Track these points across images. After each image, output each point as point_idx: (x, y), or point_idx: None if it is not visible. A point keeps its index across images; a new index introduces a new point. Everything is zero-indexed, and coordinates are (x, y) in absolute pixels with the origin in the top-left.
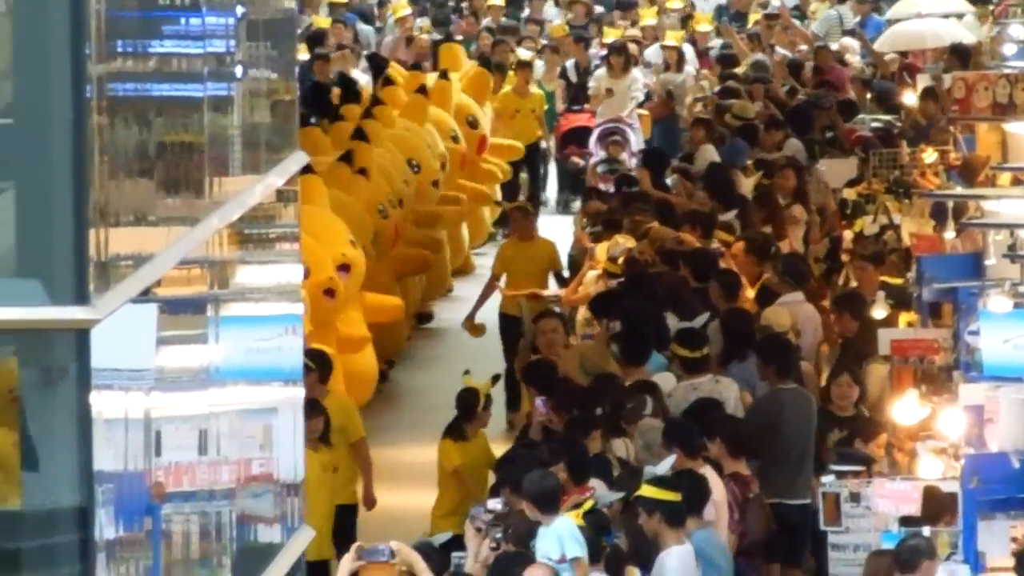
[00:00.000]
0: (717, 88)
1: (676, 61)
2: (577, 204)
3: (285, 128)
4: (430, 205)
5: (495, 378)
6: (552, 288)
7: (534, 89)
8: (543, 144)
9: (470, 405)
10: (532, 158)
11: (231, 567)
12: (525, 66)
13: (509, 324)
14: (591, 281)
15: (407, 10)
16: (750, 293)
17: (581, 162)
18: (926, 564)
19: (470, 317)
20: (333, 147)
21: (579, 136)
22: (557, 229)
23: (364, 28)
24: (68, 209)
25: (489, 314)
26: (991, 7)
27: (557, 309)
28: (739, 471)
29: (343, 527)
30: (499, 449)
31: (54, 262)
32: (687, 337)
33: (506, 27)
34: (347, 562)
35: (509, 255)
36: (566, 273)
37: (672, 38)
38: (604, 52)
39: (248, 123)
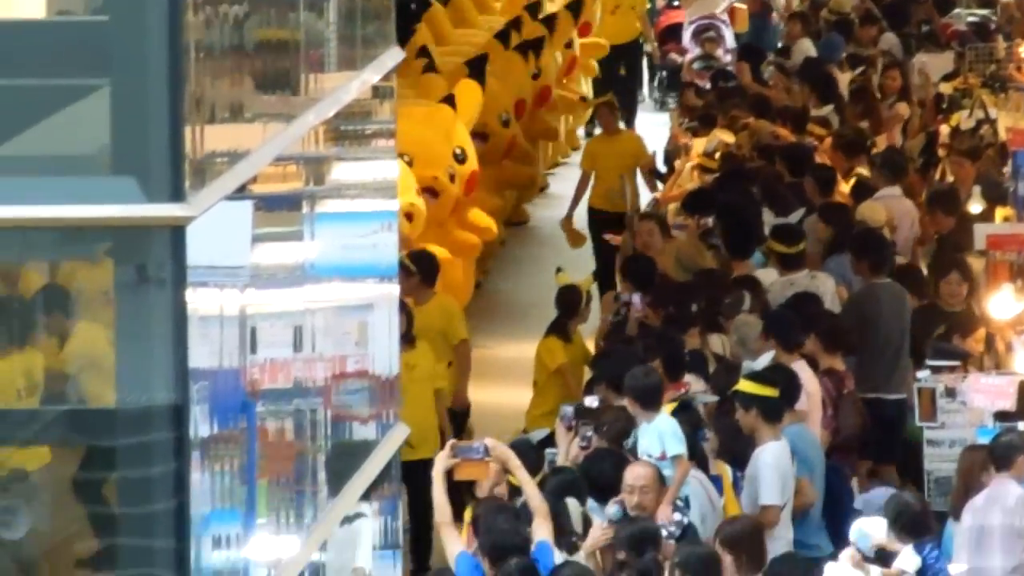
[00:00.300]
0: None
1: None
2: (674, 101)
3: (381, 24)
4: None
5: (595, 274)
6: (640, 184)
7: None
8: (643, 43)
9: (573, 302)
10: (630, 55)
11: (325, 464)
12: None
13: (600, 220)
14: (687, 177)
15: None
16: (845, 188)
17: (679, 59)
18: (1021, 459)
19: (568, 216)
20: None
21: (678, 33)
22: (655, 126)
23: None
24: (163, 106)
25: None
26: None
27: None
28: (834, 366)
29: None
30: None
31: (150, 159)
32: (784, 232)
33: None
34: (442, 459)
35: (596, 150)
36: (663, 168)
37: None
38: None
39: (343, 19)
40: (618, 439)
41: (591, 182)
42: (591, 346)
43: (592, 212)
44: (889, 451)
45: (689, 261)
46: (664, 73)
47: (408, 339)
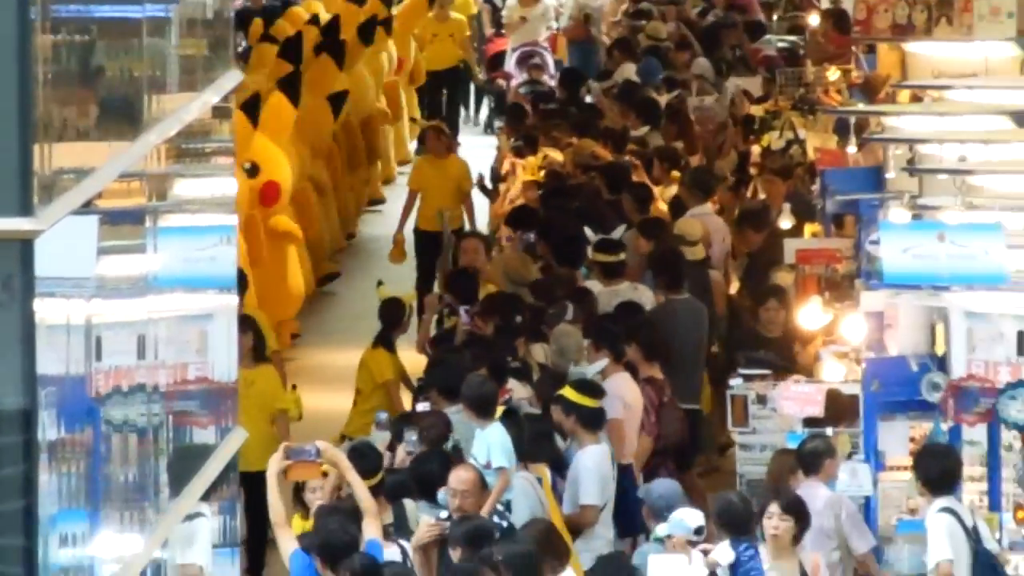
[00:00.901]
0: (631, 10)
1: None
2: (497, 125)
3: (221, 48)
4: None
5: (417, 288)
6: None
7: (454, 15)
8: (464, 69)
9: (396, 315)
10: (451, 80)
11: (167, 466)
12: None
13: (425, 240)
14: (518, 193)
15: None
16: (662, 205)
17: (505, 84)
18: (827, 463)
19: (398, 231)
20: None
21: (501, 60)
22: (485, 148)
23: None
24: (13, 125)
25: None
26: None
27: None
28: (654, 375)
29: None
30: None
31: (0, 176)
32: (605, 244)
33: None
34: (275, 461)
35: (424, 172)
36: (490, 184)
37: None
38: None
39: (185, 43)
40: (437, 443)
41: (417, 203)
42: (411, 354)
43: (417, 233)
44: (688, 457)
45: (515, 274)
46: (492, 98)
47: (258, 355)
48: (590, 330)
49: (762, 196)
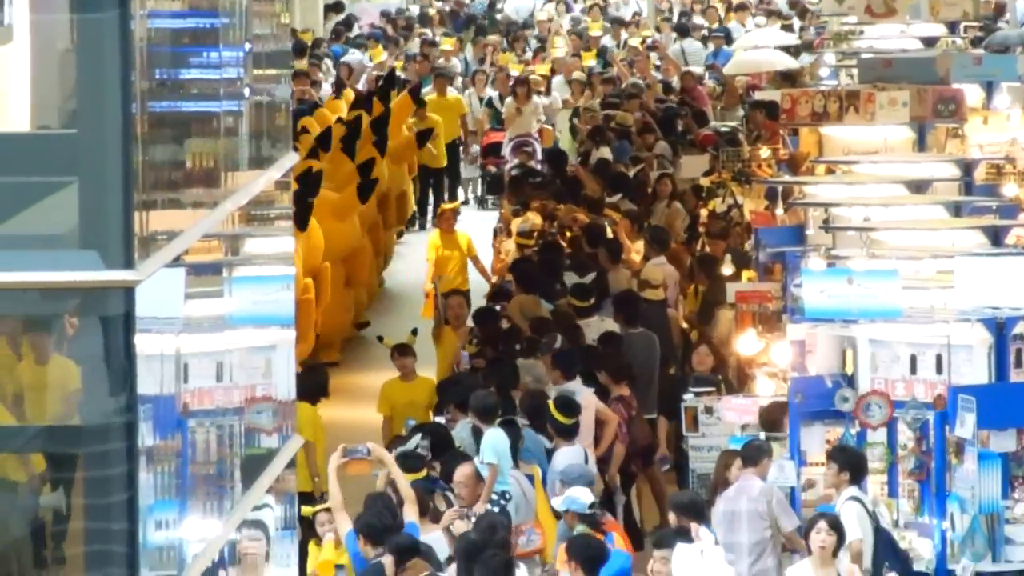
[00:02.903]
0: (605, 102)
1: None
2: (491, 200)
3: (281, 134)
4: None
5: (414, 331)
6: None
7: (452, 94)
8: (460, 143)
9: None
10: (451, 154)
11: (240, 466)
12: (442, 75)
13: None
14: (509, 251)
15: (384, 55)
16: (635, 256)
17: (494, 169)
18: (765, 461)
19: (428, 286)
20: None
21: (497, 149)
22: (480, 221)
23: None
24: (118, 197)
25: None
26: (812, 40)
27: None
28: (622, 393)
29: None
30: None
31: (108, 237)
32: (578, 290)
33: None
34: (335, 459)
35: (437, 245)
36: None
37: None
38: (512, 83)
39: (253, 130)
40: (442, 447)
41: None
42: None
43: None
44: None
45: (529, 311)
46: (486, 179)
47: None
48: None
49: (708, 249)
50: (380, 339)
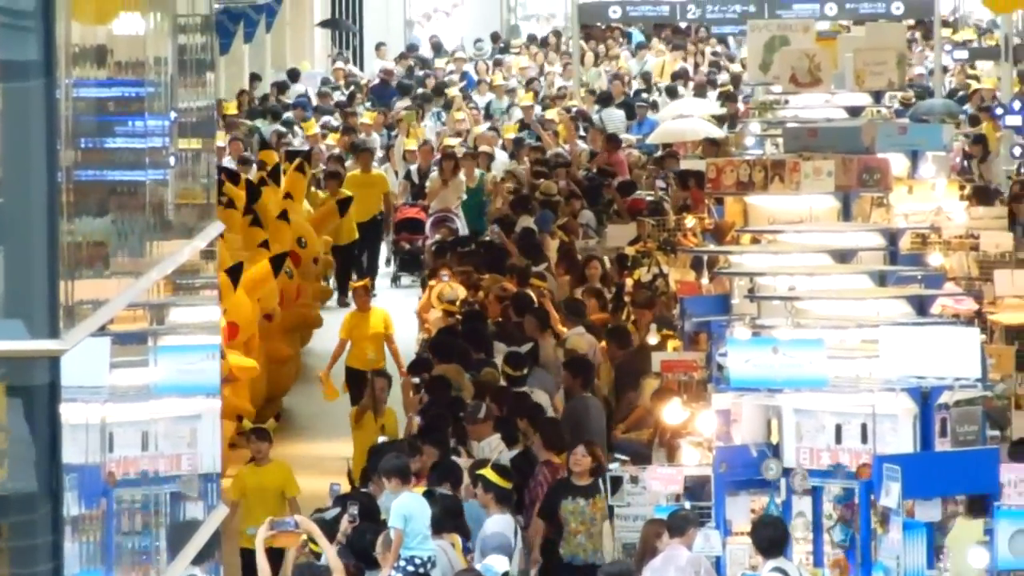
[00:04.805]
0: (533, 170)
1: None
2: (404, 279)
3: (207, 203)
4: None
5: (277, 415)
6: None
7: (376, 170)
8: (382, 218)
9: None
10: (372, 231)
11: (166, 535)
12: (365, 151)
13: (354, 376)
14: (436, 320)
15: (316, 128)
16: (561, 327)
17: (408, 246)
18: (691, 530)
19: (326, 372)
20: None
21: (411, 224)
22: (391, 299)
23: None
24: (43, 266)
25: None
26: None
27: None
28: (551, 459)
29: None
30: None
31: (33, 306)
32: (513, 359)
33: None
34: (262, 532)
35: (352, 324)
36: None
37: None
38: (438, 157)
39: (179, 199)
40: (370, 515)
41: (347, 347)
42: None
43: (348, 370)
44: None
45: (454, 381)
46: (399, 256)
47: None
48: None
49: (634, 318)
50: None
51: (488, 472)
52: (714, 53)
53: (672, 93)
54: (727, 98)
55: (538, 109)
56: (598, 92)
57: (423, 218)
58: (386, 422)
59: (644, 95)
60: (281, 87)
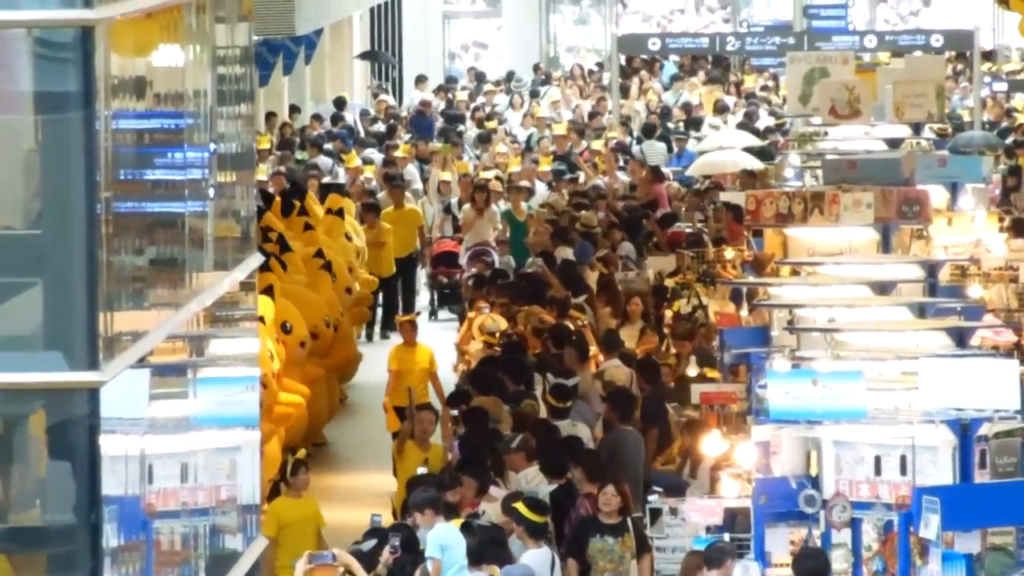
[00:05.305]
0: (573, 202)
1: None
2: (441, 313)
3: (246, 234)
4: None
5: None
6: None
7: (409, 205)
8: (418, 254)
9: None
10: (408, 267)
11: (205, 567)
12: (397, 187)
13: (399, 412)
14: (476, 352)
15: (357, 161)
16: (601, 357)
17: (446, 280)
18: (729, 562)
19: (388, 400)
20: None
21: (446, 258)
22: (429, 332)
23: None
24: (83, 298)
25: None
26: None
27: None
28: (592, 491)
29: None
30: None
31: (73, 338)
32: (558, 391)
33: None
34: (301, 565)
35: (399, 356)
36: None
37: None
38: (472, 189)
39: (218, 231)
40: (410, 547)
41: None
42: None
43: (394, 408)
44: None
45: (492, 415)
46: (436, 291)
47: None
48: (537, 454)
49: (674, 351)
50: (292, 451)
51: (520, 506)
52: (763, 88)
53: (696, 125)
54: (767, 130)
55: (584, 142)
56: (641, 124)
57: (460, 251)
58: (430, 456)
59: (681, 127)
60: (335, 119)
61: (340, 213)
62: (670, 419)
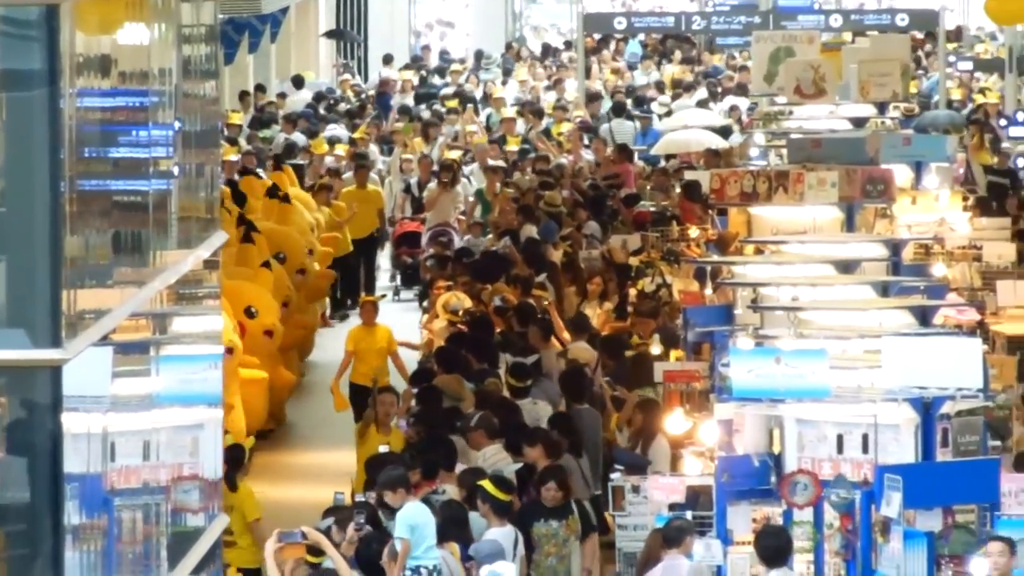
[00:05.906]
0: (538, 182)
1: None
2: (404, 293)
3: (210, 213)
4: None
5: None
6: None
7: (371, 187)
8: (379, 234)
9: (237, 457)
10: (369, 247)
11: (167, 545)
12: (362, 167)
13: (358, 391)
14: (440, 330)
15: (325, 148)
16: (566, 335)
17: (410, 260)
18: (688, 539)
19: (335, 382)
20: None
21: (411, 238)
22: (391, 312)
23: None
24: (46, 276)
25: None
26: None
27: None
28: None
29: None
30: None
31: (35, 316)
32: (517, 370)
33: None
34: (270, 543)
35: (358, 338)
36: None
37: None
38: (438, 169)
39: (182, 209)
40: (374, 523)
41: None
42: None
43: (352, 385)
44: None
45: (451, 391)
46: (399, 271)
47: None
48: (501, 432)
49: (636, 329)
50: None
51: (486, 484)
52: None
53: (641, 103)
54: (732, 108)
55: (546, 121)
56: (612, 103)
57: (423, 231)
58: (392, 440)
59: (646, 106)
60: (317, 97)
61: (286, 198)
62: (603, 395)
